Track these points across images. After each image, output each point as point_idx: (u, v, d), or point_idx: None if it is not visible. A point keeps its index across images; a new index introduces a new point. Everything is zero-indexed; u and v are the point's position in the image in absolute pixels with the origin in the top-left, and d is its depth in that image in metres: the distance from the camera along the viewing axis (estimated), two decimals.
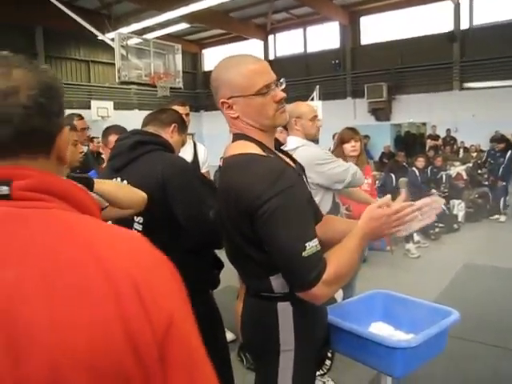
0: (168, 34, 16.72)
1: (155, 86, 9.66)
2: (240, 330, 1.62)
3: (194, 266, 1.92)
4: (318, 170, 2.74)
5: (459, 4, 16.69)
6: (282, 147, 1.63)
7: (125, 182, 1.90)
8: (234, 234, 1.40)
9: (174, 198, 1.82)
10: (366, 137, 15.92)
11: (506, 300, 4.43)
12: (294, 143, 2.86)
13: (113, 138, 2.68)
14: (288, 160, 1.54)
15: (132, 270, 0.64)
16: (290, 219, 1.27)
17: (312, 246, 1.26)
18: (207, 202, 1.84)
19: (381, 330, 1.66)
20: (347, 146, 3.51)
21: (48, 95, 0.71)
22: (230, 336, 3.43)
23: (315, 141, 3.18)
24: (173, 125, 2.12)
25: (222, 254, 2.22)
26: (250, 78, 1.37)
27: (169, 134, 2.09)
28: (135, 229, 1.87)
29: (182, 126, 2.19)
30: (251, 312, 1.52)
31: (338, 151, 3.57)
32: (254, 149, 1.39)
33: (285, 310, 1.42)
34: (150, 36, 12.46)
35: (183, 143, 2.27)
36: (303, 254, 1.24)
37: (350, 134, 3.55)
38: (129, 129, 2.15)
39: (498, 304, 4.35)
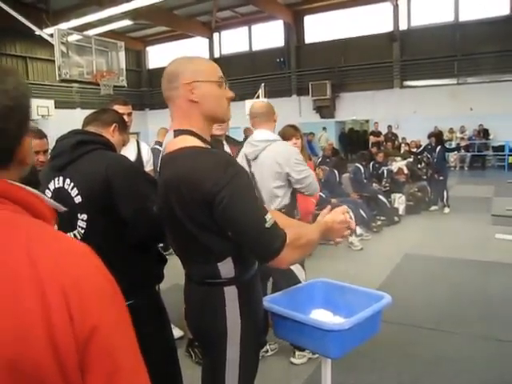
0: (111, 31, 16.33)
1: (98, 85, 9.43)
2: (186, 319, 1.68)
3: (140, 261, 1.95)
4: (295, 169, 3.02)
5: (397, 6, 17.36)
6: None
7: (67, 180, 1.89)
8: (185, 224, 1.45)
9: (118, 195, 1.84)
10: (311, 133, 16.28)
11: (443, 287, 4.69)
12: (269, 135, 3.14)
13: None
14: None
15: (62, 276, 0.66)
16: (247, 199, 1.41)
17: (270, 217, 1.40)
18: (151, 198, 1.87)
19: (320, 316, 1.74)
20: (289, 144, 3.59)
21: (4, 118, 0.74)
22: (177, 332, 3.44)
23: None
24: (113, 125, 2.14)
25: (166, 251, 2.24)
26: (212, 67, 1.55)
27: (110, 134, 2.10)
28: (79, 226, 1.87)
29: (123, 125, 2.22)
30: (198, 298, 1.59)
31: None
32: (196, 142, 1.49)
33: (231, 293, 1.52)
34: (92, 32, 12.15)
35: (124, 143, 2.29)
36: (266, 225, 1.38)
37: (291, 131, 3.65)
38: (72, 128, 2.12)
39: (437, 291, 4.59)
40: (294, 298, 1.81)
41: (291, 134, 3.60)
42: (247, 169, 3.03)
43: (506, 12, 15.74)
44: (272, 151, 3.06)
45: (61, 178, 1.90)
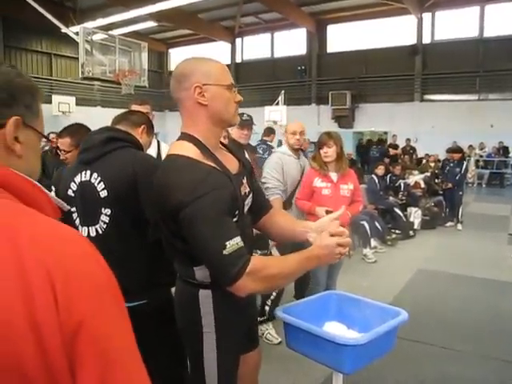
0: (135, 32, 16.52)
1: (119, 84, 9.52)
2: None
3: (156, 261, 1.95)
4: (264, 173, 3.71)
5: (422, 19, 17.26)
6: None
7: (95, 174, 1.90)
8: (162, 227, 1.52)
9: (144, 193, 1.86)
10: None
11: (455, 304, 4.62)
12: (280, 148, 4.03)
13: (65, 141, 2.51)
14: (231, 159, 1.65)
15: (49, 263, 0.61)
16: (209, 221, 1.37)
17: (233, 244, 1.36)
18: None
19: (334, 329, 1.72)
20: (321, 152, 3.54)
21: None
22: None
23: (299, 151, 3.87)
24: (142, 126, 2.18)
25: None
26: (224, 72, 1.53)
27: (138, 135, 2.15)
28: (101, 220, 1.89)
29: (151, 127, 2.25)
30: (179, 295, 1.65)
31: (317, 157, 3.59)
32: (189, 151, 1.47)
33: (206, 296, 1.54)
34: (115, 32, 12.27)
35: (149, 144, 2.32)
36: (224, 252, 1.35)
37: (324, 139, 3.54)
38: (91, 125, 2.15)
39: (448, 308, 4.52)
40: (307, 309, 1.79)
41: (323, 142, 3.53)
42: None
43: None
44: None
45: (88, 172, 1.93)
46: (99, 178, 1.89)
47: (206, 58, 1.56)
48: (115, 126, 2.13)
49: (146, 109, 3.23)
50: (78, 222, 1.96)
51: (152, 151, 3.22)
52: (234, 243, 1.36)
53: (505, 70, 15.38)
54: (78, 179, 1.95)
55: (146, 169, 1.89)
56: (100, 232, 1.89)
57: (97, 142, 1.94)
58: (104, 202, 1.87)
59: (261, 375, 1.98)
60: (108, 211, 1.87)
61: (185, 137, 1.52)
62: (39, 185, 0.79)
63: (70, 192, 1.96)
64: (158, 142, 3.54)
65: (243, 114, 3.69)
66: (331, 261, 1.52)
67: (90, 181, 1.91)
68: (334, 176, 3.54)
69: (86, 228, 1.93)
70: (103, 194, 1.87)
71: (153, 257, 1.93)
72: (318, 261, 1.50)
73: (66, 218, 2.00)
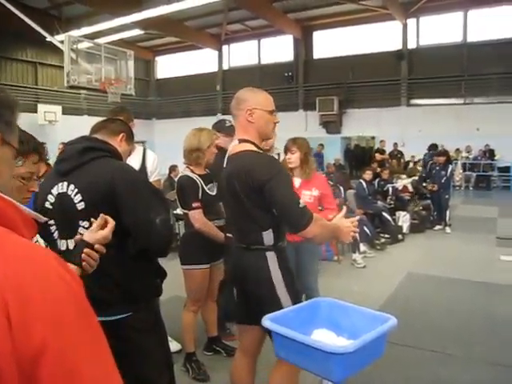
0: (121, 40, 16.47)
1: (106, 92, 9.48)
2: (236, 277, 2.25)
3: (139, 273, 1.90)
4: None
5: (407, 24, 17.45)
6: None
7: (72, 186, 1.85)
8: (244, 202, 2.08)
9: (122, 204, 1.80)
10: (321, 145, 16.28)
11: (445, 307, 4.62)
12: None
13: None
14: None
15: (4, 286, 0.59)
16: (287, 187, 2.05)
17: (301, 202, 2.02)
18: (155, 210, 1.84)
19: (323, 336, 1.69)
20: (286, 158, 3.59)
21: None
22: (175, 346, 3.37)
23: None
24: (121, 134, 2.11)
25: (166, 264, 2.20)
26: (268, 101, 2.21)
27: (117, 143, 2.07)
28: (80, 233, 1.82)
29: (131, 135, 2.19)
30: (247, 261, 2.18)
31: (283, 163, 3.61)
32: (253, 148, 2.14)
33: (272, 256, 2.15)
34: (102, 40, 12.22)
35: (130, 153, 2.26)
36: (300, 205, 1.99)
37: (288, 144, 3.62)
38: (79, 134, 2.10)
39: (439, 311, 4.52)
40: (295, 317, 1.76)
41: (287, 148, 3.63)
42: None
43: None
44: None
45: (65, 183, 1.86)
46: (76, 190, 1.83)
47: (259, 89, 2.25)
48: (94, 134, 2.08)
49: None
50: (56, 235, 1.90)
51: (135, 159, 3.15)
52: (302, 201, 2.03)
53: (489, 74, 15.58)
54: (55, 191, 1.88)
55: (124, 179, 1.84)
56: None
57: (74, 152, 1.88)
58: (81, 214, 1.81)
59: None
60: (86, 223, 1.81)
61: (243, 140, 2.16)
62: (11, 200, 0.75)
63: (47, 204, 1.89)
64: (145, 149, 3.47)
65: (225, 120, 3.69)
66: (346, 237, 2.18)
67: (66, 192, 1.85)
68: (297, 182, 3.55)
69: (64, 241, 1.87)
70: (80, 206, 1.81)
71: (135, 269, 1.88)
72: (339, 233, 2.15)
73: (44, 231, 1.91)
